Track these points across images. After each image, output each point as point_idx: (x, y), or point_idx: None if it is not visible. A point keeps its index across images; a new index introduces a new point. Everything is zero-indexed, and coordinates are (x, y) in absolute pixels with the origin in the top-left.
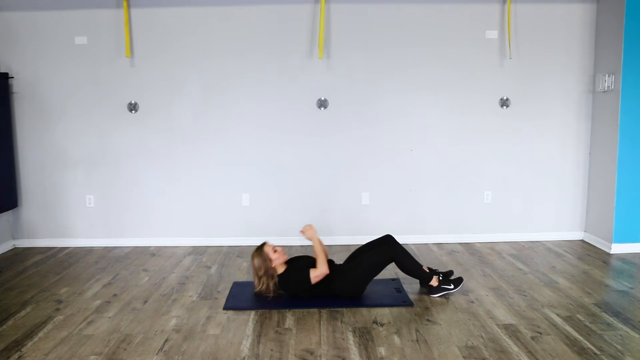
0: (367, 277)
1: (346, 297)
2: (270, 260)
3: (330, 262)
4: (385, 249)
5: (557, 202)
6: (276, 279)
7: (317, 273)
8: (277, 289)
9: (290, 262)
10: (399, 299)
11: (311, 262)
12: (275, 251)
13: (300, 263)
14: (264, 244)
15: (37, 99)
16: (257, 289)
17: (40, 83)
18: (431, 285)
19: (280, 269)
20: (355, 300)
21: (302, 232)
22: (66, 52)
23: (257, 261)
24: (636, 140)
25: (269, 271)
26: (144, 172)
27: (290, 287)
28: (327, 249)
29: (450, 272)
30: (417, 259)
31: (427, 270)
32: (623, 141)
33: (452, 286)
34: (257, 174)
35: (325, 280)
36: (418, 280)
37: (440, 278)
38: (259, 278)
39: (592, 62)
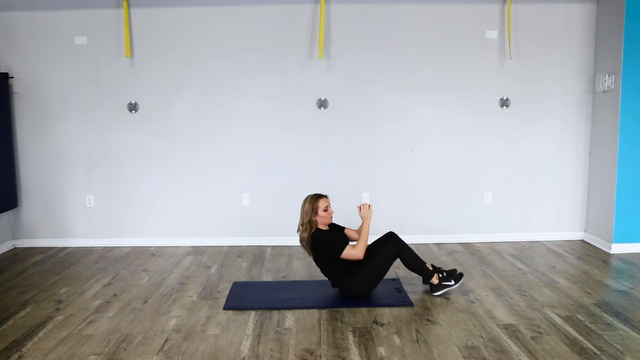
0: (376, 276)
1: (354, 297)
2: (317, 214)
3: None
4: (391, 246)
5: (557, 202)
6: (312, 232)
7: (352, 252)
8: (309, 243)
9: (333, 227)
10: (399, 299)
11: (348, 241)
12: (325, 210)
13: (343, 235)
14: (323, 196)
15: (37, 99)
16: (300, 234)
17: (40, 83)
18: (432, 283)
19: (322, 227)
20: (356, 300)
21: (360, 207)
22: (66, 52)
23: (307, 207)
24: (636, 140)
25: (311, 223)
26: (144, 172)
27: (322, 245)
28: None
29: (454, 271)
30: None
31: (431, 268)
32: (623, 141)
33: (452, 282)
34: (257, 174)
35: (340, 273)
36: (418, 281)
37: (441, 276)
38: (302, 224)
39: (592, 62)
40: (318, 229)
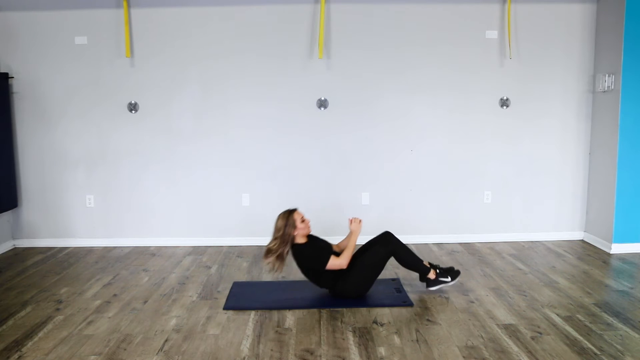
0: (370, 276)
1: (350, 297)
2: (295, 227)
3: None
4: (384, 245)
5: (557, 202)
6: (288, 248)
7: (337, 262)
8: (283, 260)
9: (311, 238)
10: (399, 299)
11: (332, 249)
12: (302, 221)
13: (323, 244)
14: (294, 210)
15: (37, 99)
16: (269, 246)
17: (40, 83)
18: (429, 278)
19: (301, 240)
20: (356, 300)
21: (351, 220)
22: (66, 52)
23: (280, 222)
24: (636, 141)
25: (285, 237)
26: (144, 172)
27: (303, 261)
28: None
29: (451, 269)
30: None
31: (428, 265)
32: (623, 141)
33: (449, 278)
34: (257, 174)
35: (331, 280)
36: (418, 280)
37: (438, 271)
38: (275, 238)
39: (592, 62)
40: (296, 245)
